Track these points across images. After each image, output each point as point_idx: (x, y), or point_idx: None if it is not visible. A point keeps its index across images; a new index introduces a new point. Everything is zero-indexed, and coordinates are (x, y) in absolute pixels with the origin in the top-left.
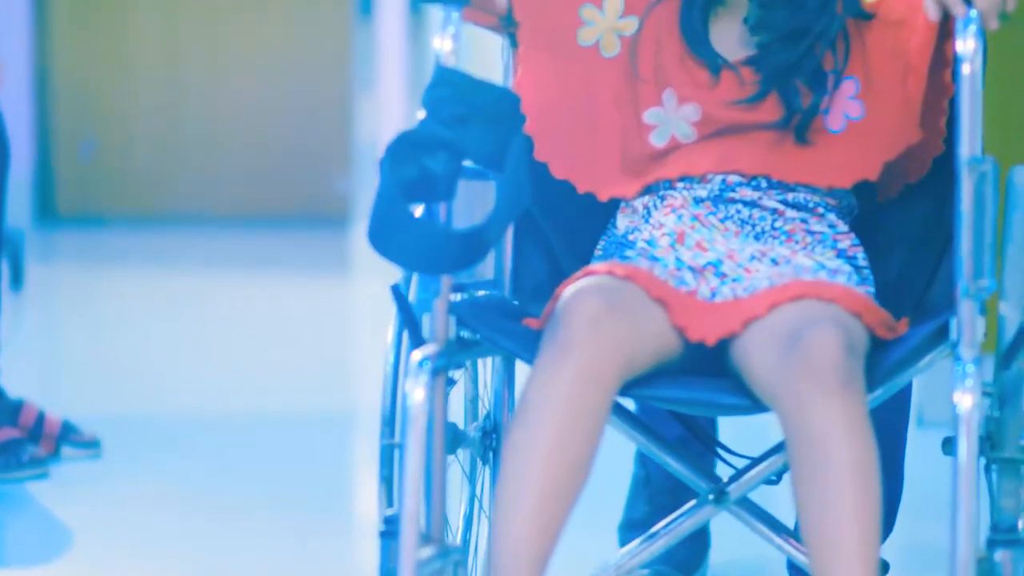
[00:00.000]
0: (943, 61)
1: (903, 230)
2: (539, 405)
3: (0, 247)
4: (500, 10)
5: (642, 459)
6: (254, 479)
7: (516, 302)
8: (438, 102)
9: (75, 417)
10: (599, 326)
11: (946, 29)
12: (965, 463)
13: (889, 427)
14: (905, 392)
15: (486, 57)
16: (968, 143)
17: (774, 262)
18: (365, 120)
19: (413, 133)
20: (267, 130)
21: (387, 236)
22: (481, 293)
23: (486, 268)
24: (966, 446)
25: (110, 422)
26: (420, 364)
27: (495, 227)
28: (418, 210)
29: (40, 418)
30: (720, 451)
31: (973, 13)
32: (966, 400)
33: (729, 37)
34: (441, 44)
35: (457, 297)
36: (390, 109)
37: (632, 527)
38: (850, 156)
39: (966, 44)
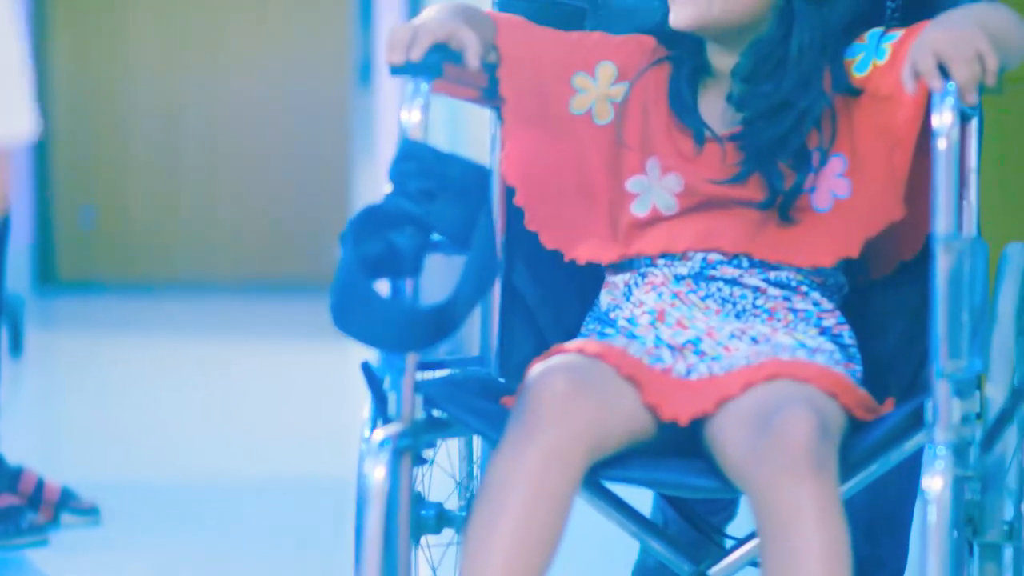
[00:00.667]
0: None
1: (896, 308)
2: (502, 485)
3: (0, 313)
4: (480, 82)
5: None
6: (253, 548)
7: (502, 379)
8: (404, 176)
9: (75, 484)
10: (566, 406)
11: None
12: (935, 549)
13: (897, 494)
14: (915, 458)
15: None
16: (944, 220)
17: (754, 340)
18: (363, 187)
19: (378, 208)
20: (266, 196)
21: (349, 313)
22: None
23: (471, 345)
24: (936, 532)
25: (110, 489)
26: (381, 444)
27: (462, 304)
28: (385, 286)
29: (39, 485)
30: (705, 531)
31: (951, 86)
32: (935, 484)
33: (717, 109)
34: (408, 116)
35: (429, 375)
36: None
37: None
38: (834, 235)
39: (942, 118)
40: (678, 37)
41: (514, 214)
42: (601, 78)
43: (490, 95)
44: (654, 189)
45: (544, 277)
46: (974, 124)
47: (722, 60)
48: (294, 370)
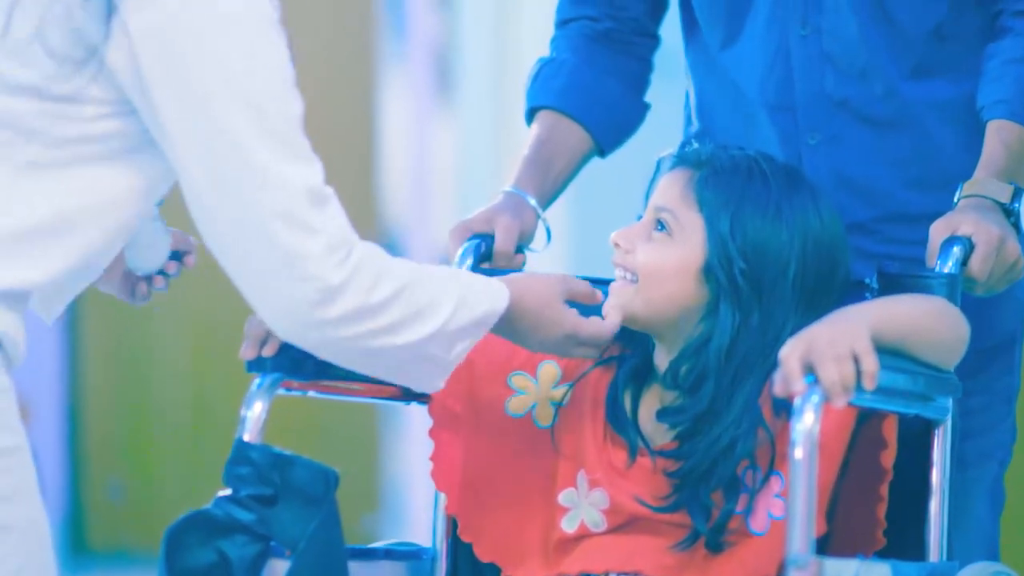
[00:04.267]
0: (879, 441)
1: None
2: None
3: None
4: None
5: None
6: None
7: None
8: (236, 481)
9: None
10: None
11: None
12: None
13: None
14: None
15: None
16: (800, 538)
17: None
18: (395, 456)
19: (207, 513)
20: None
21: None
22: None
23: None
24: None
25: None
26: None
27: None
28: None
29: None
30: None
31: (815, 398)
32: None
33: (656, 420)
34: (250, 412)
35: None
36: (419, 446)
37: None
38: (768, 561)
39: (801, 423)
40: (627, 332)
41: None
42: (543, 379)
43: (408, 392)
44: (583, 505)
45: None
46: (943, 431)
47: (663, 361)
48: None
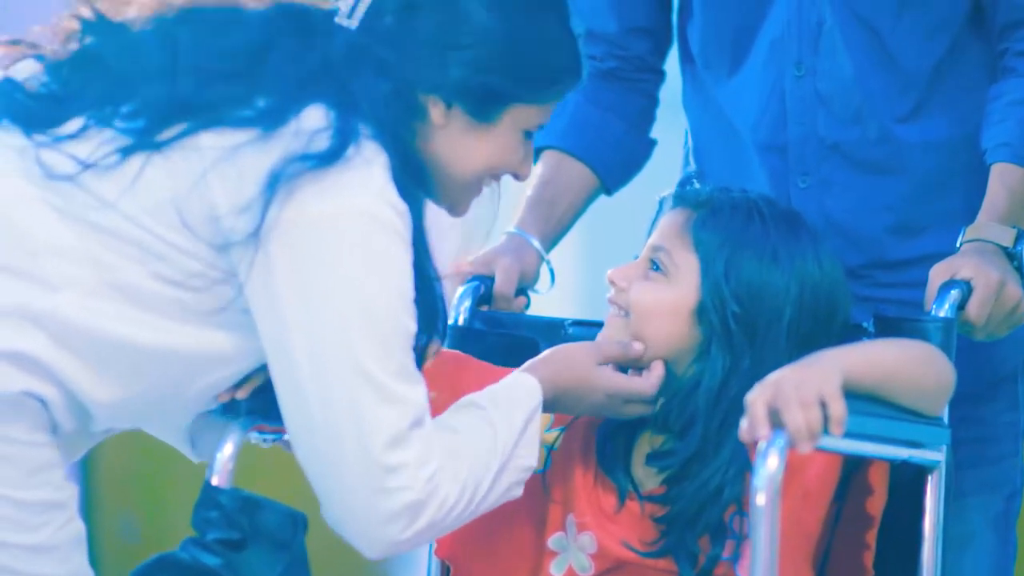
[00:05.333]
0: (866, 488)
1: None
2: None
3: None
4: None
5: None
6: None
7: None
8: (204, 524)
9: None
10: None
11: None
12: None
13: None
14: None
15: None
16: None
17: None
18: None
19: (171, 557)
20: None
21: None
22: None
23: None
24: None
25: None
26: None
27: None
28: None
29: None
30: None
31: (780, 442)
32: None
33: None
34: (221, 453)
35: None
36: None
37: None
38: None
39: (766, 467)
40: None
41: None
42: None
43: None
44: (571, 549)
45: None
46: (936, 478)
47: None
48: None
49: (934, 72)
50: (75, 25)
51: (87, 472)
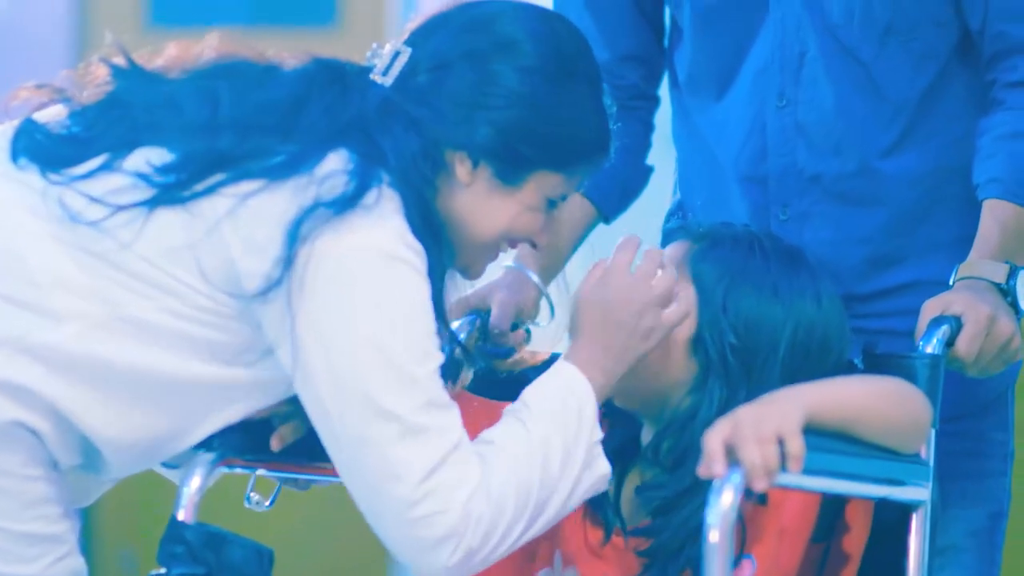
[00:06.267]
0: (843, 526)
1: None
2: None
3: None
4: None
5: None
6: None
7: None
8: (170, 559)
9: None
10: None
11: None
12: None
13: None
14: None
15: None
16: None
17: None
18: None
19: None
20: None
21: None
22: None
23: None
24: None
25: None
26: None
27: None
28: None
29: None
30: None
31: (736, 479)
32: None
33: (636, 500)
34: (187, 487)
35: None
36: None
37: None
38: None
39: (720, 503)
40: (614, 410)
41: None
42: None
43: None
44: None
45: None
46: (920, 517)
47: (647, 437)
48: None
49: (920, 101)
50: (104, 71)
51: (87, 507)
